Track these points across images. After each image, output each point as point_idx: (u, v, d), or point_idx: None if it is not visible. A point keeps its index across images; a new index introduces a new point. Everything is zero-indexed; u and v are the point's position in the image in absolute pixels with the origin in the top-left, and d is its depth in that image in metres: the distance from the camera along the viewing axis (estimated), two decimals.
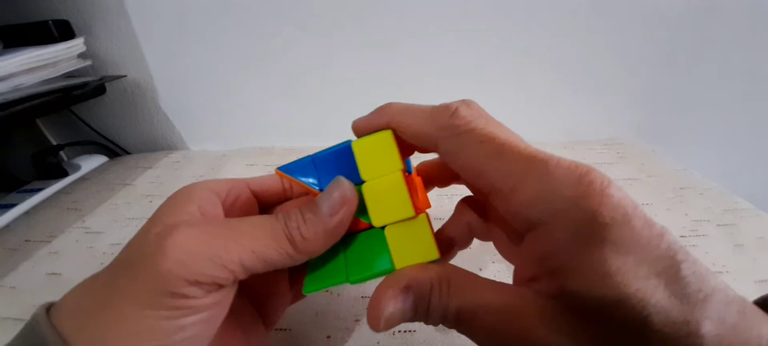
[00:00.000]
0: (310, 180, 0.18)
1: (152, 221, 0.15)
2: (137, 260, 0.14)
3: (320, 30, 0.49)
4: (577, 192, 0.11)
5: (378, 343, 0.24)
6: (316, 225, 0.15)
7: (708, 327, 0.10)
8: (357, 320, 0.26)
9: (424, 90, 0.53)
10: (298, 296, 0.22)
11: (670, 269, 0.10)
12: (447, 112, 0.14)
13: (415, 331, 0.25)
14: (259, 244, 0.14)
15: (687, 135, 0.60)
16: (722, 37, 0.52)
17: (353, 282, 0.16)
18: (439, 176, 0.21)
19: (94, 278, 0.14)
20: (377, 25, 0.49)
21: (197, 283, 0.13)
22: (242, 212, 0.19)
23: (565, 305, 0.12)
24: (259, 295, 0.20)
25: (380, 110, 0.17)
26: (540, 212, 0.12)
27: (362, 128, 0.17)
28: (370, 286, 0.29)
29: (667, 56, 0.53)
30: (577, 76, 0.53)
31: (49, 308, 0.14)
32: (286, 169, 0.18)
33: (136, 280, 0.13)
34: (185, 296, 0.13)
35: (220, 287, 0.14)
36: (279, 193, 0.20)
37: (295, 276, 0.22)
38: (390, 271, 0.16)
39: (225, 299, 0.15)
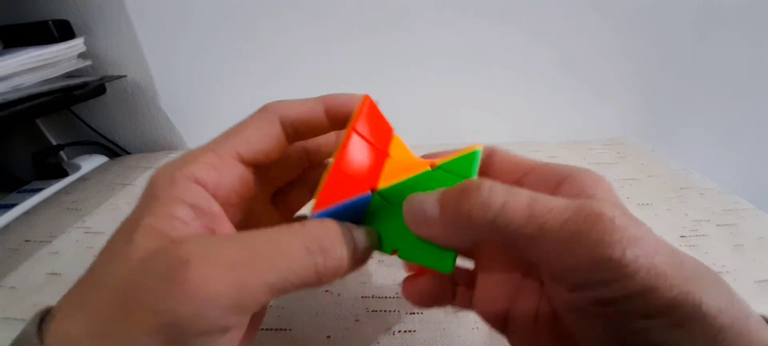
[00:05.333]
0: None
1: (134, 222, 0.14)
2: (143, 294, 0.11)
3: (321, 31, 0.49)
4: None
5: (378, 343, 0.24)
6: (337, 265, 0.14)
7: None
8: (357, 320, 0.26)
9: (427, 90, 0.53)
10: None
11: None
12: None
13: (415, 331, 0.25)
14: (283, 271, 0.13)
15: (687, 135, 0.60)
16: (722, 37, 0.52)
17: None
18: None
19: (90, 300, 0.12)
20: (379, 27, 0.49)
21: (219, 330, 0.12)
22: (239, 199, 0.16)
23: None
24: None
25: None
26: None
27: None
28: (370, 286, 0.29)
29: (667, 56, 0.53)
30: (578, 76, 0.53)
31: (41, 320, 0.12)
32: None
33: (146, 322, 0.11)
34: (206, 334, 0.12)
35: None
36: (275, 148, 0.17)
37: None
38: None
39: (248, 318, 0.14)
